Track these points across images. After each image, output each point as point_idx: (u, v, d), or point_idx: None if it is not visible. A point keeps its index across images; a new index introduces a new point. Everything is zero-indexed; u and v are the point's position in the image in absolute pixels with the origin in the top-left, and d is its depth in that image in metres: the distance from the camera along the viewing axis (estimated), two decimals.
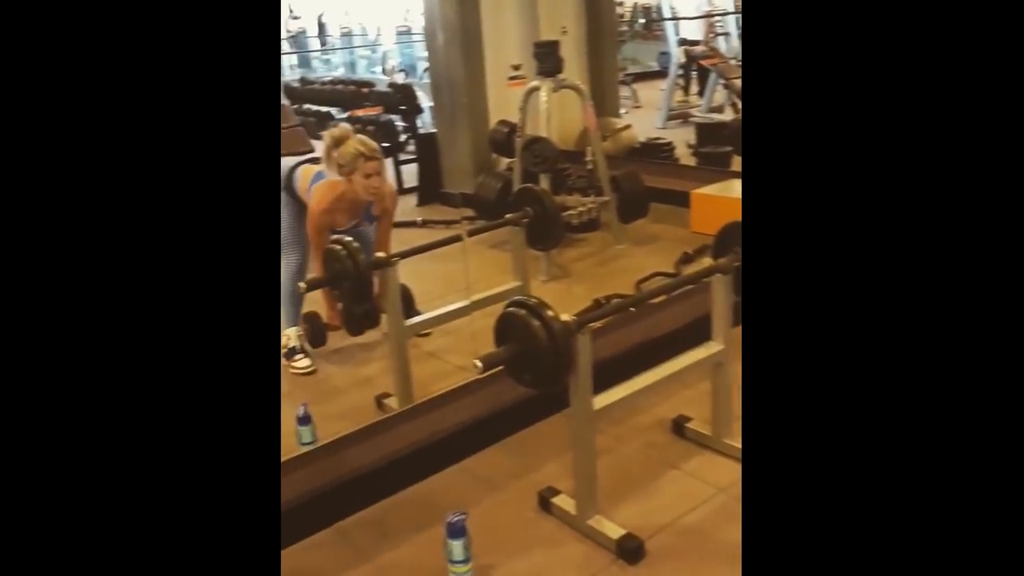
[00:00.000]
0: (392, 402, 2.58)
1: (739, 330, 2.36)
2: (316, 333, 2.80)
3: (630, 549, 1.83)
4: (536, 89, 3.92)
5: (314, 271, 2.77)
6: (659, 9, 8.34)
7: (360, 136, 2.75)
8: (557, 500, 2.01)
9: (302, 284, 2.52)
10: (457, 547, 1.73)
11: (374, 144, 2.74)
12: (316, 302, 2.91)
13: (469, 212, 4.27)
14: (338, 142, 2.68)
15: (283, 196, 2.87)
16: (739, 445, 2.19)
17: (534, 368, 1.81)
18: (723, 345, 2.16)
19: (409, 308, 2.87)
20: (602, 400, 1.92)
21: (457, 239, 2.81)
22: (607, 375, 2.00)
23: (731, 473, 2.14)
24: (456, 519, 1.73)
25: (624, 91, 7.74)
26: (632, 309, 2.60)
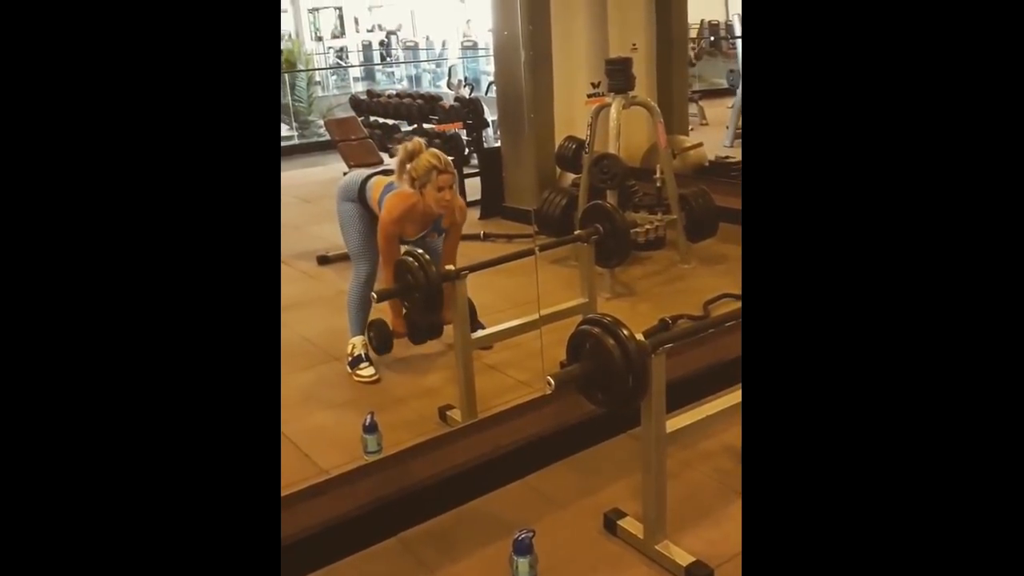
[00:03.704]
0: (455, 414, 2.58)
1: None
2: (382, 340, 2.83)
3: None
4: (607, 106, 3.91)
5: (382, 281, 2.80)
6: (729, 27, 8.25)
7: (433, 150, 2.78)
8: (623, 522, 1.97)
9: (374, 294, 2.55)
10: (523, 564, 1.71)
11: (447, 158, 2.77)
12: (381, 310, 2.94)
13: (535, 227, 4.27)
14: (412, 155, 2.71)
15: (355, 207, 2.92)
16: None
17: (607, 387, 1.78)
18: None
19: (473, 320, 2.87)
20: (675, 423, 1.89)
21: (528, 253, 2.81)
22: (674, 397, 1.96)
23: None
24: (523, 536, 1.71)
25: (691, 108, 7.66)
26: (711, 330, 2.55)
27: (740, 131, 7.14)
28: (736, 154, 5.72)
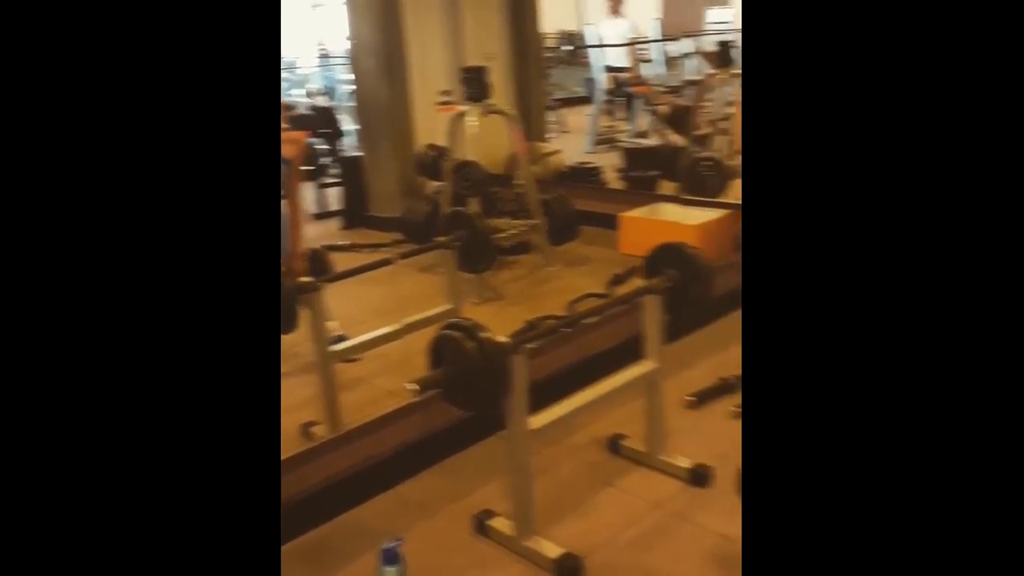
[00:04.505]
0: (320, 430, 2.50)
1: (671, 348, 2.40)
2: None
3: (568, 568, 1.82)
4: (465, 114, 3.94)
5: None
6: (582, 36, 8.54)
7: None
8: (494, 522, 1.98)
9: None
10: (391, 574, 1.68)
11: None
12: None
13: (397, 236, 4.23)
14: None
15: None
16: (673, 461, 2.21)
17: (470, 390, 1.79)
18: (656, 363, 2.19)
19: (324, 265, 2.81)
20: (538, 420, 1.92)
21: (386, 263, 2.78)
22: (543, 396, 2.00)
23: (666, 489, 2.16)
24: (391, 545, 1.68)
25: (551, 116, 7.85)
26: (568, 329, 2.61)
27: (600, 137, 7.40)
28: (594, 160, 5.90)
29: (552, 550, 1.86)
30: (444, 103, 4.07)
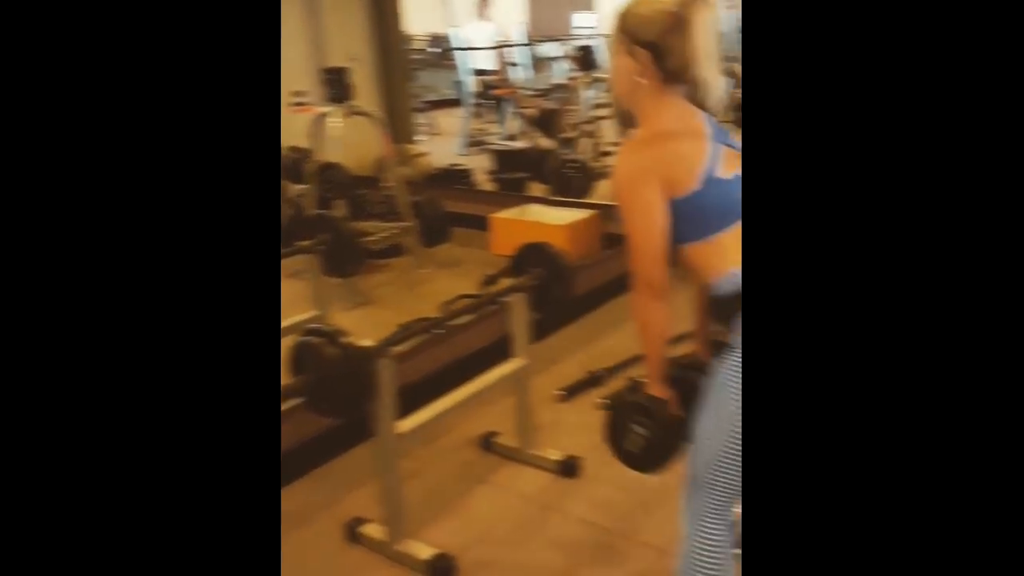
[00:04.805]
0: None
1: (541, 345, 2.46)
2: None
3: (440, 569, 1.82)
4: (326, 115, 3.86)
5: None
6: (448, 39, 8.55)
7: None
8: (365, 529, 1.95)
9: None
10: None
11: None
12: None
13: None
14: None
15: None
16: (544, 454, 2.26)
17: (333, 396, 1.75)
18: (524, 360, 2.24)
19: None
20: (407, 424, 1.91)
21: None
22: (419, 398, 1.99)
23: (538, 482, 2.20)
24: None
25: (422, 119, 7.81)
26: (440, 331, 2.61)
27: (471, 139, 7.44)
28: (466, 162, 5.93)
29: (424, 551, 1.85)
30: (298, 104, 3.96)
